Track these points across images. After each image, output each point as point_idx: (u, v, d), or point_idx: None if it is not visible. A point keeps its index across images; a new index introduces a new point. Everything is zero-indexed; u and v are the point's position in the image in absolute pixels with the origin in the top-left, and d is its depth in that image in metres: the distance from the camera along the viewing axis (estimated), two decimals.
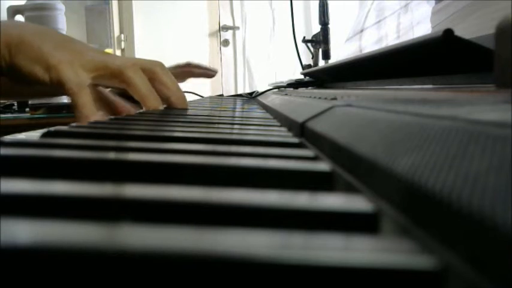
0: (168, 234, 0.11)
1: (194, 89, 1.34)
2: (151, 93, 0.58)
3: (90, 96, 0.54)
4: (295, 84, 1.06)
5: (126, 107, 0.64)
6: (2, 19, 1.52)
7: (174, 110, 0.64)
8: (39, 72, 0.54)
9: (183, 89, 0.66)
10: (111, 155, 0.22)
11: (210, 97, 1.53)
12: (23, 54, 0.54)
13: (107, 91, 0.65)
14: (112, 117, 0.49)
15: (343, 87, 0.83)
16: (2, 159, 0.19)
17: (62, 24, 1.49)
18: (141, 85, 0.57)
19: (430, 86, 0.46)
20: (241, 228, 0.12)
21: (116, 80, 0.57)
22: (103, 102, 0.61)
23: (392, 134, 0.17)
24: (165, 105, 0.63)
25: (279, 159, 0.22)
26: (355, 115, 0.25)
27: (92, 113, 0.53)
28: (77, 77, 0.54)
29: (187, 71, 0.96)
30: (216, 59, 3.12)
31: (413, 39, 0.42)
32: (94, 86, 0.58)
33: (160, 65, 0.61)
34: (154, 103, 0.58)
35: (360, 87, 0.71)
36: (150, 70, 0.60)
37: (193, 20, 3.02)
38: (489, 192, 0.10)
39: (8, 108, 1.45)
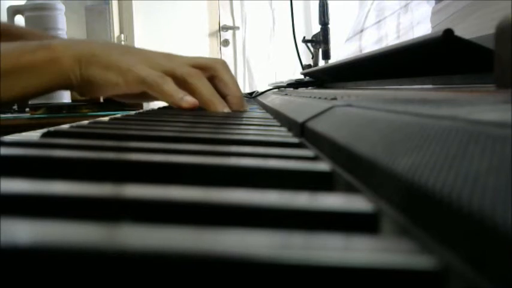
0: (168, 234, 0.11)
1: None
2: (214, 97, 0.60)
3: (173, 83, 0.58)
4: (295, 84, 1.06)
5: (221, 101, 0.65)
6: (2, 19, 1.52)
7: (173, 110, 0.64)
8: (113, 77, 0.58)
9: None
10: (111, 155, 0.22)
11: None
12: (95, 65, 0.58)
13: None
14: (112, 117, 0.49)
15: (343, 87, 0.83)
16: (2, 159, 0.19)
17: (62, 24, 1.49)
18: (204, 91, 0.60)
19: (430, 86, 0.46)
20: (241, 228, 0.12)
21: (179, 85, 0.60)
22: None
23: (392, 134, 0.17)
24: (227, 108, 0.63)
25: (279, 159, 0.22)
26: (355, 115, 0.25)
27: (184, 94, 0.57)
28: (153, 72, 0.58)
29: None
30: None
31: (413, 39, 0.42)
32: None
33: (222, 62, 0.63)
34: (217, 107, 0.60)
35: (360, 87, 0.71)
36: (212, 68, 0.62)
37: (193, 20, 3.01)
38: (489, 192, 0.10)
39: (8, 108, 1.45)
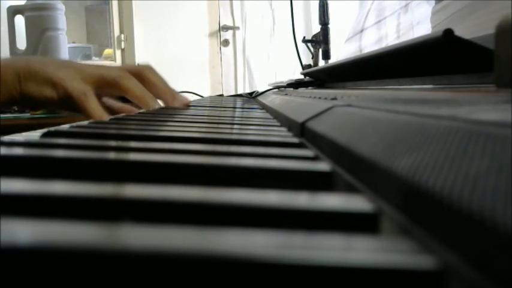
0: (168, 234, 0.11)
1: (194, 89, 1.34)
2: (145, 94, 0.66)
3: (97, 101, 0.62)
4: (295, 84, 1.06)
5: (128, 108, 0.72)
6: (2, 19, 1.52)
7: (174, 109, 0.64)
8: (47, 91, 0.62)
9: (182, 89, 0.72)
10: (111, 155, 0.22)
11: (210, 97, 1.54)
12: (31, 80, 0.62)
13: (108, 99, 0.73)
14: (112, 117, 0.49)
15: (343, 87, 0.83)
16: (2, 159, 0.20)
17: (62, 24, 1.49)
18: (135, 89, 0.66)
19: (430, 86, 0.46)
20: (241, 228, 0.12)
21: (113, 89, 0.66)
22: (107, 109, 0.69)
23: (392, 134, 0.17)
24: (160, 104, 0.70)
25: (279, 159, 0.22)
26: (355, 115, 0.25)
27: (102, 115, 0.61)
28: (80, 87, 0.62)
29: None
30: (216, 59, 3.12)
31: (413, 39, 0.42)
32: (97, 97, 0.66)
33: (149, 67, 0.70)
34: (149, 102, 0.66)
35: (360, 87, 0.71)
36: (139, 73, 0.68)
37: (193, 20, 3.01)
38: (489, 191, 0.10)
39: (8, 108, 1.45)
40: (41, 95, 0.62)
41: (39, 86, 0.62)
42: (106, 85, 0.65)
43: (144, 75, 0.68)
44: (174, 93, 0.71)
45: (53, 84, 0.62)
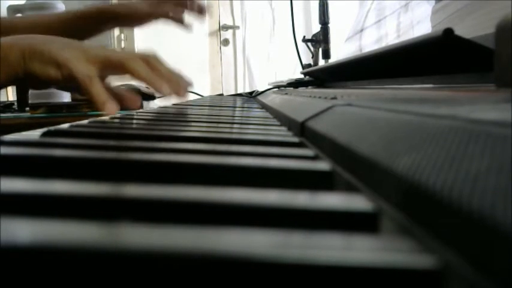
0: (168, 233, 0.11)
1: (194, 88, 1.33)
2: (152, 76, 0.65)
3: (101, 85, 0.62)
4: (295, 84, 1.06)
5: (131, 96, 0.71)
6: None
7: (173, 109, 0.64)
8: (52, 71, 0.62)
9: None
10: (111, 154, 0.22)
11: (210, 96, 1.53)
12: (36, 60, 0.63)
13: (116, 87, 0.73)
14: (112, 116, 0.49)
15: (343, 87, 0.83)
16: (2, 158, 0.19)
17: None
18: (141, 70, 0.65)
19: (430, 86, 0.46)
20: (241, 227, 0.12)
21: (118, 70, 0.65)
22: (111, 93, 0.67)
23: (392, 133, 0.17)
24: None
25: (279, 159, 0.22)
26: (355, 114, 0.25)
27: (107, 99, 0.61)
28: (85, 69, 0.62)
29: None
30: (216, 58, 3.12)
31: (413, 38, 0.42)
32: (101, 78, 0.65)
33: (154, 55, 0.69)
34: (157, 83, 0.65)
35: (360, 87, 0.71)
36: (145, 59, 0.67)
37: (193, 19, 3.01)
38: (489, 191, 0.10)
39: (8, 108, 1.45)
40: (45, 75, 0.63)
41: (43, 65, 0.63)
42: (111, 67, 0.64)
43: (149, 61, 0.67)
44: (177, 82, 0.69)
45: (58, 64, 0.62)
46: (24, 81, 0.66)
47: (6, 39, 0.66)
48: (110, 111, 0.61)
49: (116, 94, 0.68)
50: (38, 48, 0.63)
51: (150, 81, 0.64)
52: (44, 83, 0.65)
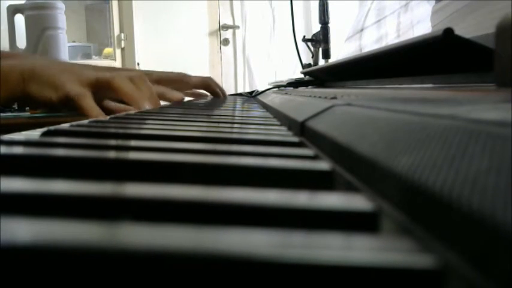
0: (168, 233, 0.11)
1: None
2: (137, 93, 0.72)
3: (93, 101, 0.67)
4: (295, 83, 1.06)
5: (123, 107, 0.77)
6: (2, 18, 1.52)
7: (173, 108, 0.64)
8: (49, 93, 0.67)
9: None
10: (111, 154, 0.22)
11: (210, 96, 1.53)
12: (35, 82, 0.68)
13: (108, 102, 0.80)
14: (112, 116, 0.49)
15: (343, 87, 0.83)
16: (2, 158, 0.19)
17: (62, 23, 1.49)
18: (127, 89, 0.71)
19: (430, 85, 0.46)
20: (241, 227, 0.12)
21: (108, 90, 0.72)
22: (106, 110, 0.74)
23: (392, 133, 0.17)
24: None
25: (279, 158, 0.22)
26: (355, 114, 0.25)
27: (99, 113, 0.66)
28: (76, 88, 0.68)
29: (206, 82, 1.11)
30: (216, 58, 3.12)
31: (413, 38, 0.42)
32: (99, 100, 0.71)
33: (139, 74, 0.76)
34: (139, 102, 0.71)
35: (360, 87, 0.71)
36: (130, 78, 0.73)
37: (193, 19, 3.01)
38: (489, 191, 0.10)
39: (8, 107, 1.45)
40: (42, 96, 0.67)
41: (41, 87, 0.67)
42: (101, 86, 0.70)
43: (134, 80, 0.73)
44: (156, 103, 0.75)
45: (55, 86, 0.67)
46: (23, 101, 0.73)
47: (7, 62, 0.71)
48: None
49: (110, 110, 0.74)
50: (37, 71, 0.69)
51: (132, 98, 0.71)
52: (40, 103, 0.70)
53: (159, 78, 0.88)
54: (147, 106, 0.70)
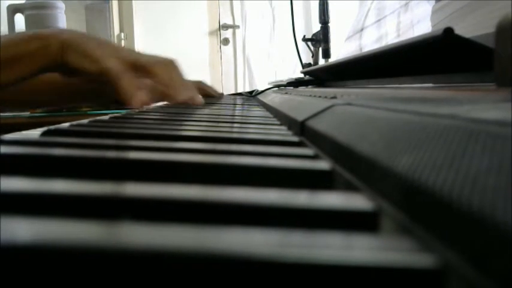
0: (168, 232, 0.11)
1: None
2: (173, 82, 0.71)
3: (131, 80, 0.67)
4: (295, 83, 1.06)
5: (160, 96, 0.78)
6: (2, 18, 1.52)
7: (173, 108, 0.64)
8: (87, 64, 0.69)
9: None
10: (111, 154, 0.22)
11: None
12: (74, 52, 0.70)
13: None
14: (112, 116, 0.49)
15: (343, 86, 0.83)
16: (2, 157, 0.19)
17: (62, 22, 1.49)
18: (163, 76, 0.70)
19: (430, 85, 0.46)
20: (241, 226, 0.12)
21: (143, 73, 0.70)
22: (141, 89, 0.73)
23: (392, 132, 0.17)
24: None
25: (279, 158, 0.22)
26: (355, 114, 0.25)
27: (135, 92, 0.66)
28: (118, 65, 0.68)
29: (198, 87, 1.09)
30: (216, 57, 3.12)
31: (413, 37, 0.42)
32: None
33: (172, 62, 0.74)
34: (176, 89, 0.70)
35: (360, 86, 0.71)
36: (166, 65, 0.72)
37: (193, 19, 3.01)
38: (489, 190, 0.10)
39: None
40: (80, 66, 0.69)
41: (81, 58, 0.69)
42: (138, 70, 0.69)
43: (169, 68, 0.72)
44: (193, 90, 0.74)
45: (93, 59, 0.68)
46: (61, 71, 0.73)
47: (47, 31, 0.74)
48: (137, 103, 0.65)
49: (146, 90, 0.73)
50: (77, 42, 0.70)
51: (170, 87, 0.69)
52: (78, 73, 0.71)
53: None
54: (186, 97, 0.69)
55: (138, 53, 0.73)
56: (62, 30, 0.79)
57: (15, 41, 0.71)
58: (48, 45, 0.70)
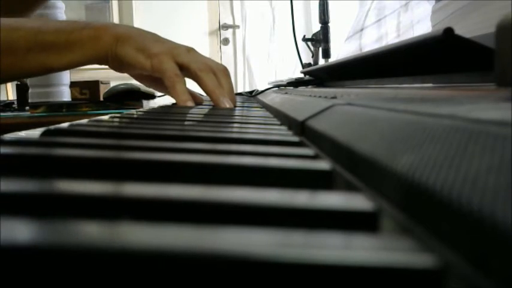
0: (168, 232, 0.11)
1: (194, 87, 1.34)
2: (216, 88, 0.72)
3: (185, 85, 0.70)
4: (295, 83, 1.06)
5: (198, 96, 0.79)
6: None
7: (174, 108, 0.64)
8: (141, 59, 0.70)
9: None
10: (111, 154, 0.22)
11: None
12: (128, 46, 0.70)
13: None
14: (112, 116, 0.49)
15: (343, 86, 0.83)
16: (2, 157, 0.19)
17: None
18: (211, 84, 0.71)
19: (430, 85, 0.46)
20: (241, 226, 0.12)
21: (191, 76, 0.73)
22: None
23: (392, 132, 0.17)
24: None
25: (279, 158, 0.22)
26: (355, 114, 0.25)
27: (188, 98, 0.69)
28: (174, 68, 0.69)
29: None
30: (216, 57, 3.12)
31: (413, 37, 0.42)
32: None
33: (224, 69, 0.76)
34: (219, 98, 0.71)
35: (360, 86, 0.71)
36: (215, 72, 0.74)
37: (193, 19, 3.01)
38: (489, 190, 0.10)
39: (8, 107, 1.45)
40: (134, 61, 0.70)
41: (134, 52, 0.70)
42: (187, 72, 0.71)
43: (217, 75, 0.73)
44: (233, 100, 0.75)
45: (149, 54, 0.69)
46: (110, 63, 0.73)
47: (101, 23, 0.75)
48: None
49: (191, 94, 0.75)
50: (133, 36, 0.71)
51: (214, 95, 0.71)
52: (131, 68, 0.72)
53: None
54: (227, 104, 0.70)
55: (193, 54, 0.73)
56: (117, 24, 0.81)
57: (68, 28, 0.71)
58: (101, 36, 0.70)
